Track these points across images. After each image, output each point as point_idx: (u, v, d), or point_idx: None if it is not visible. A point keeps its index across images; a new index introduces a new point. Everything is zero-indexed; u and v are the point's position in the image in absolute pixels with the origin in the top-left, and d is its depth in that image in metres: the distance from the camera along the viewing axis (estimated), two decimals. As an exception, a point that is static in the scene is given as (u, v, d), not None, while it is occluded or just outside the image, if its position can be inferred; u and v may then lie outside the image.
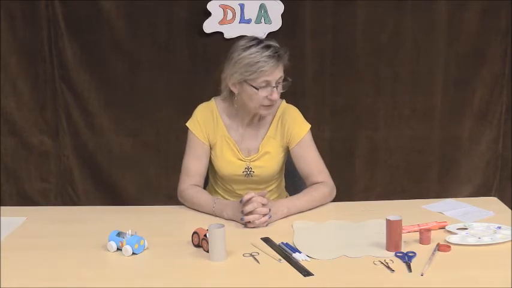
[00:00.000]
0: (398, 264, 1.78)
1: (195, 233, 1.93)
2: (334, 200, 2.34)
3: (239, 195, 2.32)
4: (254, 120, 2.36)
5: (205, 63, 3.41)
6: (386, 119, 3.60)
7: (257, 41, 2.20)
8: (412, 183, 3.67)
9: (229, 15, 3.38)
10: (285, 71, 2.23)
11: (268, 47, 2.17)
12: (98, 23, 3.41)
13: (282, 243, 1.94)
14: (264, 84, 2.19)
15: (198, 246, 1.92)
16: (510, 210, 2.22)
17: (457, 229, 2.01)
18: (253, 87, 2.19)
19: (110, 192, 3.61)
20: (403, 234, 1.88)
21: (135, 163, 3.60)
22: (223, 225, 1.85)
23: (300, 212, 2.22)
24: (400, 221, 1.86)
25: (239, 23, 3.38)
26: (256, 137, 2.37)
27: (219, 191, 2.45)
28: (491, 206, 2.27)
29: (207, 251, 1.86)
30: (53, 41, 3.42)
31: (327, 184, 2.33)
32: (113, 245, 1.90)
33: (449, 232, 2.01)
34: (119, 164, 3.60)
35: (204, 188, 2.43)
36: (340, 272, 1.76)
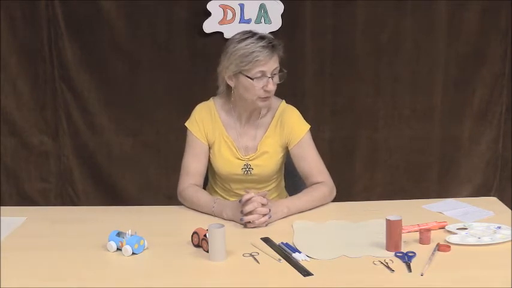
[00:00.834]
0: (398, 264, 1.78)
1: (195, 233, 1.93)
2: (334, 200, 2.34)
3: (238, 194, 2.32)
4: (252, 117, 2.36)
5: (205, 63, 3.40)
6: (387, 119, 3.59)
7: (251, 33, 2.22)
8: (412, 183, 3.67)
9: (229, 15, 3.38)
10: (281, 64, 2.24)
11: (262, 38, 2.20)
12: (98, 23, 3.41)
13: (282, 243, 1.94)
14: (259, 75, 2.19)
15: (198, 246, 1.92)
16: (510, 210, 2.22)
17: (457, 229, 2.01)
18: (249, 77, 2.19)
19: (109, 192, 3.61)
20: (403, 234, 1.88)
21: (135, 163, 3.60)
22: (223, 225, 1.85)
23: (300, 212, 2.22)
24: (400, 221, 1.86)
25: (239, 23, 3.38)
26: (255, 136, 2.37)
27: (218, 191, 2.45)
28: (491, 206, 2.27)
29: (207, 251, 1.86)
30: (53, 41, 3.42)
31: (327, 184, 2.33)
32: (113, 245, 1.90)
33: (449, 232, 2.01)
34: (119, 164, 3.60)
35: (204, 187, 2.43)
36: (340, 272, 1.76)
